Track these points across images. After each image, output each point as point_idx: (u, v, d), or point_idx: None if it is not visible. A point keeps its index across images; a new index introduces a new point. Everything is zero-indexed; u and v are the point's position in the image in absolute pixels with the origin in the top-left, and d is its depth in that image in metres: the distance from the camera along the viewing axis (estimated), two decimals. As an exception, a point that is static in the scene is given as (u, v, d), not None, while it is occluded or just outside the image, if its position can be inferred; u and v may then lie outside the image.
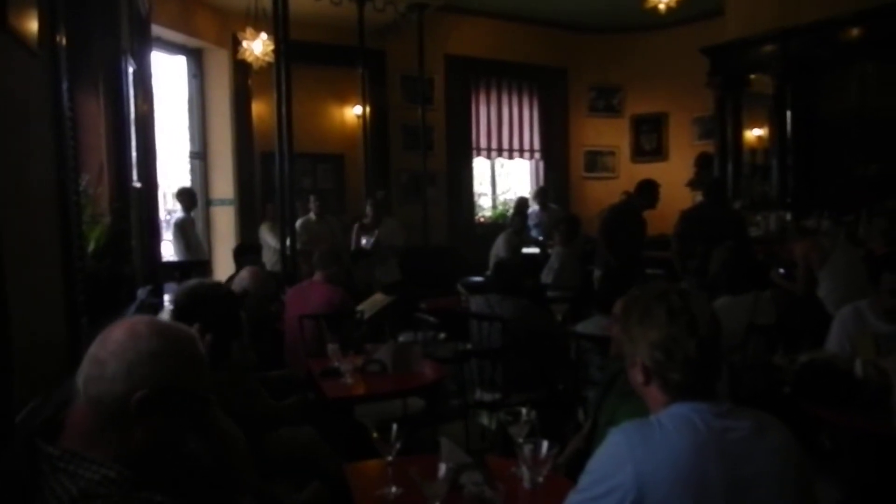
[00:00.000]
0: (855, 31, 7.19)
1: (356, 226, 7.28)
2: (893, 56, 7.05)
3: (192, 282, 3.50)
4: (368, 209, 7.36)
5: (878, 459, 2.65)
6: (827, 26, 7.25)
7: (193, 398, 1.41)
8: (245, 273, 3.96)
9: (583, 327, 3.79)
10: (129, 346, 1.33)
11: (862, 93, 7.28)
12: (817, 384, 2.76)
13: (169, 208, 8.35)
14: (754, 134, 9.01)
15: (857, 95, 7.32)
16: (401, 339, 4.44)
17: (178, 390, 1.37)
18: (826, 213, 6.59)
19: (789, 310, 4.31)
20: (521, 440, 2.01)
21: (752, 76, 8.37)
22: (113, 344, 1.34)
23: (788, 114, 7.78)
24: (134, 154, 4.61)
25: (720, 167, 8.47)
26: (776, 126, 7.95)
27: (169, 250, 7.26)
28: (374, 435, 2.02)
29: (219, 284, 3.64)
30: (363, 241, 7.17)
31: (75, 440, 1.31)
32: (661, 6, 6.01)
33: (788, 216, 6.90)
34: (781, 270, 5.13)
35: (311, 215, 7.66)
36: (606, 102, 10.92)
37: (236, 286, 3.66)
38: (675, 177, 9.13)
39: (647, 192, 6.30)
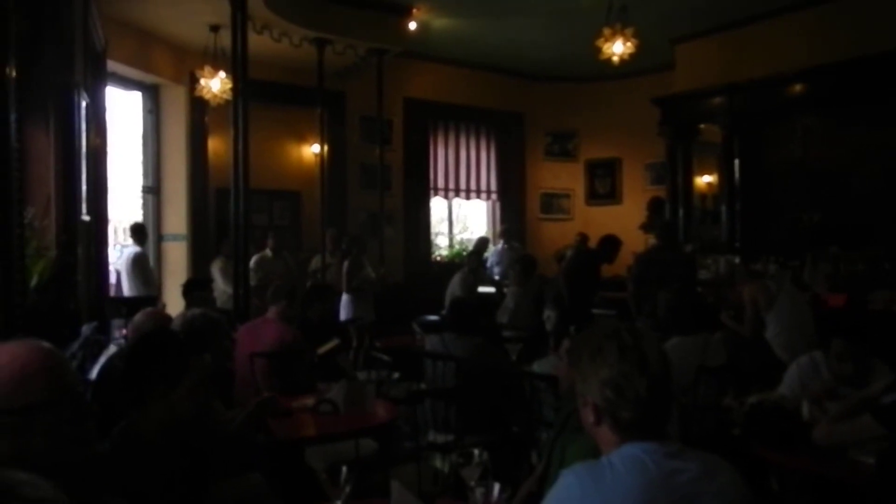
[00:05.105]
0: (797, 87, 7.54)
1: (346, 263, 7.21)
2: (833, 111, 7.40)
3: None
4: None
5: (825, 502, 2.68)
6: (771, 82, 7.61)
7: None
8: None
9: (538, 366, 3.79)
10: None
11: (804, 144, 7.59)
12: (766, 425, 2.81)
13: (120, 242, 8.18)
14: (704, 180, 9.29)
15: (799, 147, 7.63)
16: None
17: None
18: (773, 257, 6.79)
19: (738, 351, 4.39)
20: (472, 483, 1.98)
21: (702, 126, 8.67)
22: None
23: (736, 162, 8.07)
24: (84, 187, 4.53)
25: (671, 212, 8.69)
26: (725, 173, 8.23)
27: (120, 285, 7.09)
28: (324, 478, 1.97)
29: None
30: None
31: None
32: (615, 58, 6.18)
33: (737, 260, 7.07)
34: (731, 312, 5.24)
35: (268, 251, 7.59)
36: (562, 147, 11.15)
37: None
38: (628, 220, 9.32)
39: (610, 248, 6.48)
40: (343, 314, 6.98)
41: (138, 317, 3.49)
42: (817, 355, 3.32)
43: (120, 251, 7.56)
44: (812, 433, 2.57)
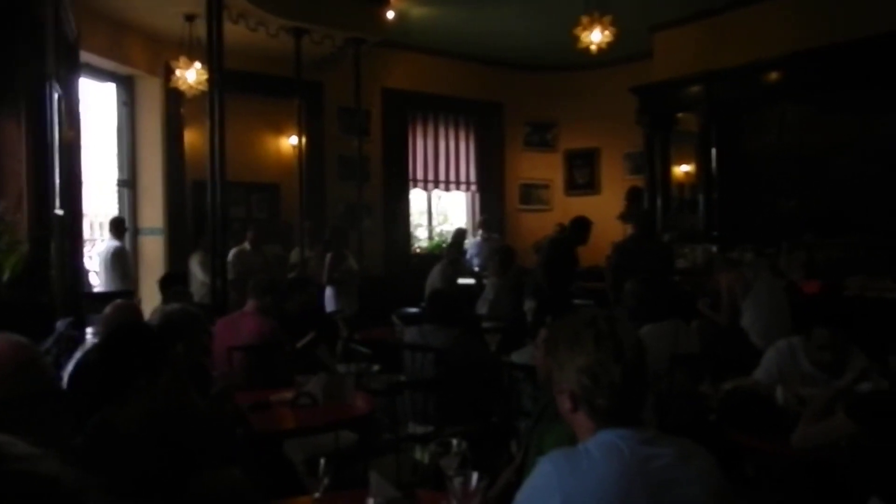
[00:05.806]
0: (774, 75, 7.60)
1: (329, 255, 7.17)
2: (809, 98, 7.47)
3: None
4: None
5: (799, 487, 2.72)
6: (748, 70, 7.65)
7: None
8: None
9: (517, 357, 3.81)
10: None
11: (781, 132, 7.65)
12: (741, 411, 2.84)
13: (95, 236, 8.08)
14: (682, 169, 9.35)
15: (776, 134, 7.69)
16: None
17: None
18: (750, 245, 6.85)
19: (714, 339, 4.43)
20: (451, 473, 1.98)
21: (680, 115, 8.71)
22: None
23: (713, 151, 8.12)
24: (57, 181, 4.46)
25: (650, 201, 8.74)
26: (702, 162, 8.28)
27: (95, 279, 7.01)
28: (302, 470, 1.96)
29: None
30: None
31: None
32: (593, 47, 6.19)
33: (714, 248, 7.14)
34: (708, 301, 5.29)
35: (246, 245, 7.53)
36: (541, 137, 11.15)
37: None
38: (606, 210, 9.34)
39: (580, 229, 6.43)
40: (327, 306, 6.98)
41: (108, 310, 3.45)
42: (795, 341, 3.34)
43: (91, 245, 7.48)
44: (791, 440, 2.57)
